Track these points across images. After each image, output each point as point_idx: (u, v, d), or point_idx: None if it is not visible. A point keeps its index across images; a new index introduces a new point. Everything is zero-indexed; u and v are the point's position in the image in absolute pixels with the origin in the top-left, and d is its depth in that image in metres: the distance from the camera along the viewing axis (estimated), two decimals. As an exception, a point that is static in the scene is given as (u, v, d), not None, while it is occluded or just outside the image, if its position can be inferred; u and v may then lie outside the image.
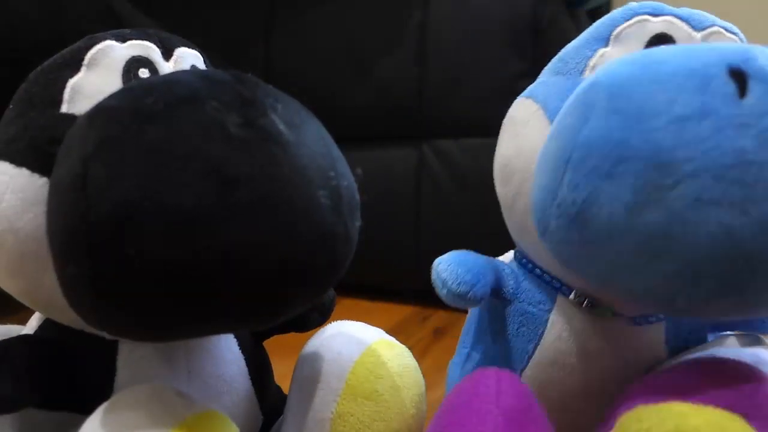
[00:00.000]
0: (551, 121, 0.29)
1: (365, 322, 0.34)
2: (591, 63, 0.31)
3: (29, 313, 0.31)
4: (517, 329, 0.33)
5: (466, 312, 0.38)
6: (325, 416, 0.29)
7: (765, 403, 0.23)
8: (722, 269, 0.22)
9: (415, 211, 0.80)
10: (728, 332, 0.32)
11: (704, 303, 0.23)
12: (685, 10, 0.31)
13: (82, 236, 0.20)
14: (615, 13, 0.32)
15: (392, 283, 0.84)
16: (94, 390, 0.28)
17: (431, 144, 0.79)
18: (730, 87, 0.22)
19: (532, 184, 0.28)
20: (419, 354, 0.63)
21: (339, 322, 0.34)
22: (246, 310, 0.22)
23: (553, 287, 0.33)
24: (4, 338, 0.28)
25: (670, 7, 0.31)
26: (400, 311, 0.79)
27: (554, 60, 0.34)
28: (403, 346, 0.33)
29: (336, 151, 0.24)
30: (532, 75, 0.34)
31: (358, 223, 0.25)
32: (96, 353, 0.28)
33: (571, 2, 0.77)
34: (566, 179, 0.24)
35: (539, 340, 0.32)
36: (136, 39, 0.29)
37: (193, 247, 0.20)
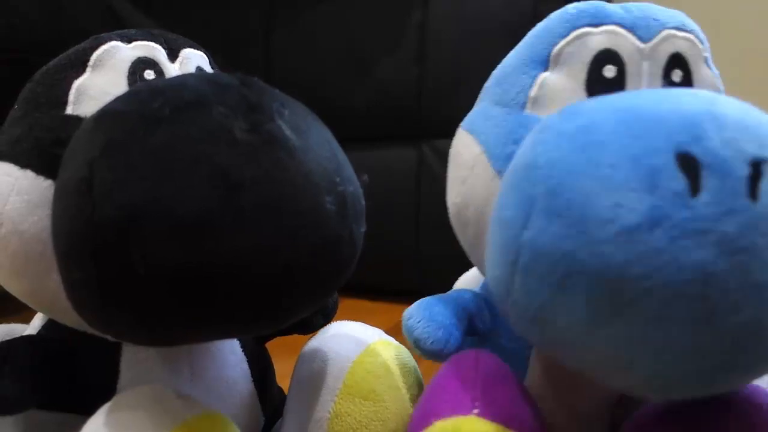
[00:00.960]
0: (497, 171, 0.27)
1: (365, 322, 0.34)
2: (532, 94, 0.28)
3: (32, 312, 0.31)
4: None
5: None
6: (323, 416, 0.29)
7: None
8: (692, 382, 0.21)
9: (415, 211, 0.80)
10: None
11: (681, 396, 0.22)
12: (631, 12, 0.28)
13: (87, 239, 0.20)
14: (551, 24, 0.29)
15: (392, 283, 0.84)
16: (97, 391, 0.28)
17: (431, 144, 0.79)
18: (681, 183, 0.19)
19: (487, 255, 0.26)
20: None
21: (339, 322, 0.34)
22: (250, 315, 0.22)
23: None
24: (6, 338, 0.28)
25: (614, 9, 0.28)
26: (400, 311, 0.79)
27: (492, 81, 0.31)
28: (402, 346, 0.33)
29: (342, 156, 0.24)
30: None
31: (362, 229, 0.25)
32: (99, 354, 0.28)
33: (571, 2, 0.77)
34: (517, 282, 0.23)
35: (522, 378, 0.31)
36: (141, 40, 0.29)
37: (199, 252, 0.20)
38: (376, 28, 0.80)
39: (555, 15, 0.29)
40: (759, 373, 0.21)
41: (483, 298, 0.33)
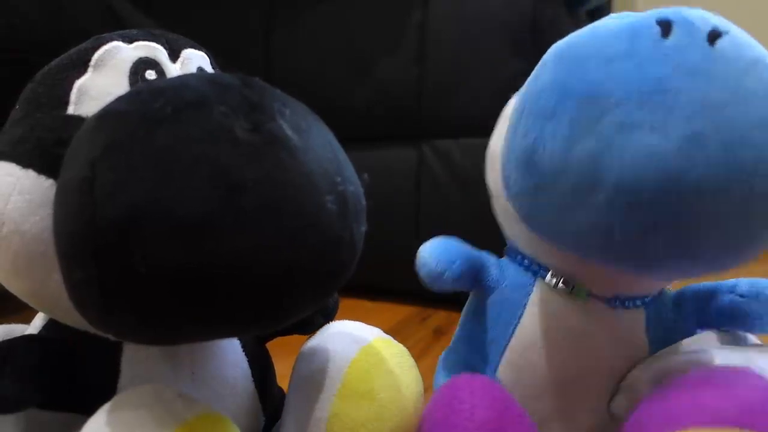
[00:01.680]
0: None
1: (365, 322, 0.34)
2: None
3: (32, 312, 0.31)
4: (497, 315, 0.34)
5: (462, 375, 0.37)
6: (321, 416, 0.29)
7: (761, 411, 0.23)
8: (650, 194, 0.23)
9: (415, 211, 0.80)
10: (713, 329, 0.32)
11: (641, 238, 0.24)
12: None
13: (89, 240, 0.20)
14: None
15: (392, 283, 0.84)
16: (98, 391, 0.28)
17: (431, 144, 0.79)
18: (656, 30, 0.25)
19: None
20: (419, 354, 0.63)
21: (337, 321, 0.34)
22: (251, 315, 0.22)
23: (533, 272, 0.33)
24: (7, 338, 0.28)
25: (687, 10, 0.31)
26: (400, 311, 0.79)
27: None
28: (401, 345, 0.33)
29: (343, 156, 0.24)
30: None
31: (363, 229, 0.25)
32: (100, 354, 0.28)
33: (571, 2, 0.77)
34: (520, 128, 0.27)
35: (517, 324, 0.33)
36: (142, 40, 0.29)
37: (200, 253, 0.20)
38: (376, 28, 0.80)
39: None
40: (715, 182, 0.23)
41: (494, 260, 0.36)
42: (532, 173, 0.26)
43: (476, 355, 0.36)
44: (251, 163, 0.21)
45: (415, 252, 0.95)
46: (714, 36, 0.24)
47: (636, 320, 0.32)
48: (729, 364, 0.28)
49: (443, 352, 0.40)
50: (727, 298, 0.31)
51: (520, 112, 0.27)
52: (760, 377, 0.25)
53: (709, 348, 0.30)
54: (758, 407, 0.23)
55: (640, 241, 0.24)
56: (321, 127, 0.24)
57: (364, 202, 0.25)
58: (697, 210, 0.23)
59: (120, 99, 0.23)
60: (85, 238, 0.21)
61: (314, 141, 0.23)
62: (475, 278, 0.35)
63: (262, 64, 0.84)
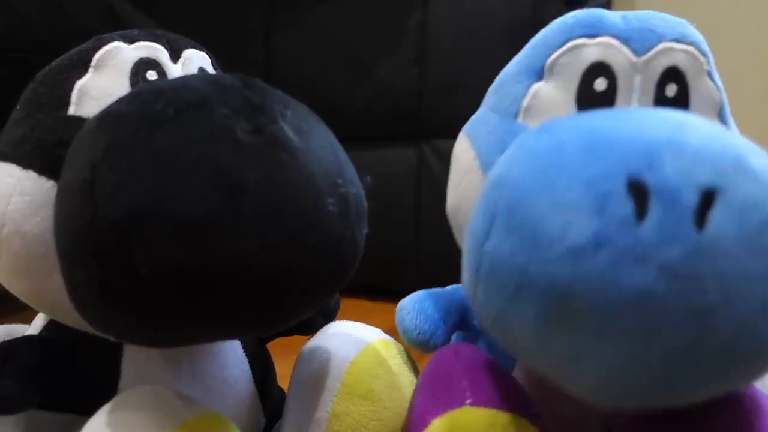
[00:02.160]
0: (485, 175, 0.28)
1: (365, 322, 0.34)
2: (524, 104, 0.28)
3: (32, 312, 0.31)
4: (496, 352, 0.32)
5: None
6: (322, 416, 0.29)
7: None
8: (635, 395, 0.21)
9: (415, 211, 0.80)
10: None
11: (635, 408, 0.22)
12: (630, 22, 0.28)
13: (90, 241, 0.20)
14: (549, 33, 0.29)
15: (392, 283, 0.84)
16: (98, 392, 0.28)
17: (431, 144, 0.79)
18: (628, 208, 0.20)
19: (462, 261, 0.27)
20: (419, 354, 0.63)
21: (337, 322, 0.34)
22: (252, 316, 0.22)
23: None
24: (8, 338, 0.28)
25: (613, 19, 0.28)
26: (400, 311, 0.79)
27: (492, 87, 0.32)
28: (401, 345, 0.33)
29: (344, 158, 0.24)
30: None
31: (365, 230, 0.25)
32: (100, 355, 0.28)
33: (571, 2, 0.77)
34: (479, 289, 0.24)
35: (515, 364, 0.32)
36: (143, 40, 0.29)
37: (201, 255, 0.20)
38: (376, 29, 0.80)
39: (554, 24, 0.29)
40: (707, 390, 0.21)
41: None
42: (503, 336, 0.24)
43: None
44: (252, 165, 0.20)
45: (415, 252, 0.95)
46: (705, 205, 0.20)
47: None
48: None
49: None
50: None
51: (474, 271, 0.24)
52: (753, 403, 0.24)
53: None
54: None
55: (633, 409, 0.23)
56: (322, 129, 0.24)
57: (365, 203, 0.25)
58: (678, 398, 0.21)
59: (121, 100, 0.23)
60: (86, 239, 0.21)
61: (316, 143, 0.23)
62: (462, 324, 0.34)
63: (262, 64, 0.84)
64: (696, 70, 0.27)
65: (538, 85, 0.29)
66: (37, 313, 0.31)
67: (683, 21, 0.28)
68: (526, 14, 0.74)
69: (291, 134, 0.22)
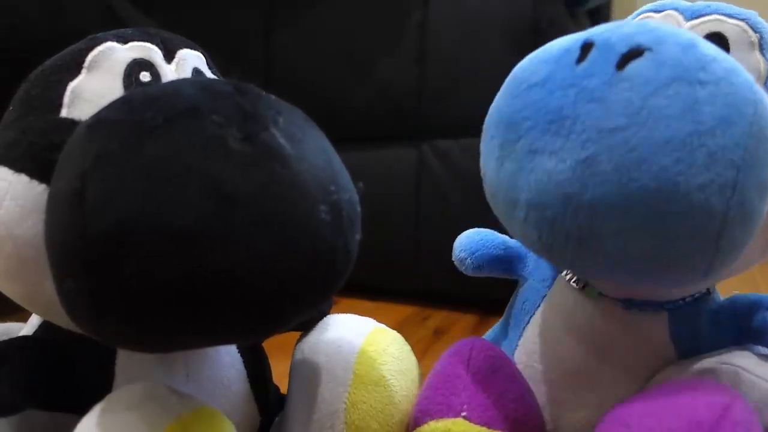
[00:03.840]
0: None
1: (366, 323, 0.35)
2: None
3: (29, 312, 0.31)
4: (522, 304, 0.36)
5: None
6: (338, 407, 0.30)
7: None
8: (552, 212, 0.24)
9: (415, 211, 0.80)
10: (752, 346, 0.31)
11: (560, 249, 0.25)
12: (697, 3, 0.31)
13: (80, 252, 0.20)
14: (634, 13, 0.34)
15: (392, 283, 0.84)
16: (93, 391, 0.28)
17: (431, 144, 0.79)
18: (574, 56, 0.25)
19: None
20: (419, 354, 0.63)
21: (331, 316, 0.35)
22: (244, 326, 0.22)
23: (555, 267, 0.35)
24: (3, 337, 0.28)
25: (682, 2, 0.32)
26: (400, 311, 0.79)
27: None
28: (395, 332, 0.34)
29: (338, 164, 0.24)
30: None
31: (358, 237, 0.24)
32: (95, 356, 0.28)
33: (571, 2, 0.77)
34: (481, 152, 0.29)
35: (533, 313, 0.35)
36: (137, 40, 0.29)
37: (191, 266, 0.20)
38: (376, 28, 0.80)
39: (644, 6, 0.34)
40: (606, 214, 0.24)
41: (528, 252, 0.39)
42: (488, 194, 0.29)
43: (504, 337, 0.38)
44: (243, 175, 0.20)
45: (415, 252, 0.95)
46: (630, 56, 0.24)
47: (656, 324, 0.32)
48: (760, 376, 0.28)
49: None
50: (761, 315, 0.30)
51: (483, 138, 0.29)
52: (730, 399, 0.25)
53: (744, 358, 0.29)
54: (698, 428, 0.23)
55: (563, 253, 0.25)
56: (316, 135, 0.24)
57: (359, 210, 0.25)
58: (599, 226, 0.24)
59: (111, 106, 0.23)
60: (76, 250, 0.20)
61: (308, 149, 0.22)
62: (508, 268, 0.38)
63: (262, 64, 0.84)
64: (742, 40, 0.30)
65: None
66: (32, 313, 0.31)
67: (751, 12, 0.31)
68: (526, 14, 0.74)
69: (283, 141, 0.22)
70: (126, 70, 0.28)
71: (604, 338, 0.32)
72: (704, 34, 0.30)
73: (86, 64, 0.28)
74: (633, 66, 0.24)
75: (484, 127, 0.28)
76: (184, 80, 0.26)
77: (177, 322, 0.21)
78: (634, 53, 0.24)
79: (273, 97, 0.24)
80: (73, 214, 0.21)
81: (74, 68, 0.28)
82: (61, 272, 0.22)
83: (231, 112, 0.22)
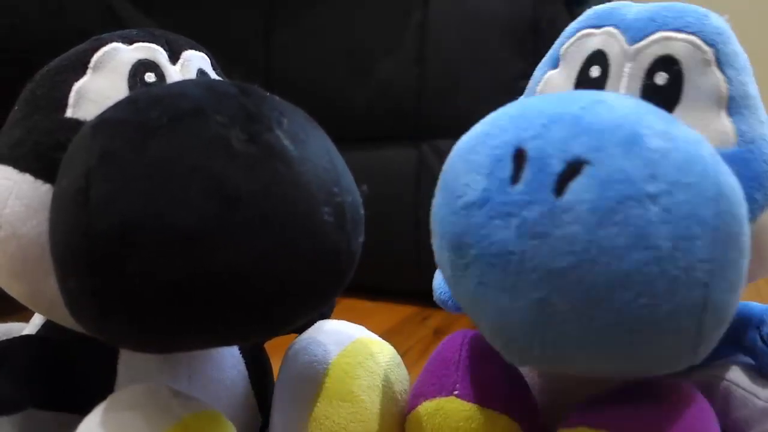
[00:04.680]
0: None
1: (365, 322, 0.34)
2: (538, 89, 0.31)
3: (31, 312, 0.31)
4: None
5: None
6: (303, 418, 0.29)
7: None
8: (515, 346, 0.23)
9: (415, 211, 0.80)
10: (744, 358, 0.31)
11: (539, 366, 0.25)
12: (640, 13, 0.29)
13: (83, 251, 0.20)
14: (571, 25, 0.31)
15: (392, 283, 0.84)
16: (95, 391, 0.28)
17: (431, 144, 0.79)
18: (508, 171, 0.22)
19: None
20: (419, 354, 0.63)
21: (321, 321, 0.34)
22: (246, 327, 0.22)
23: None
24: (5, 338, 0.28)
25: (625, 11, 0.29)
26: (400, 311, 0.79)
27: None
28: (386, 343, 0.33)
29: (341, 165, 0.24)
30: (531, 75, 0.34)
31: (361, 239, 0.24)
32: (97, 355, 0.29)
33: (571, 2, 0.77)
34: (434, 253, 0.27)
35: None
36: (142, 41, 0.29)
37: (194, 265, 0.20)
38: (376, 28, 0.80)
39: (583, 14, 0.31)
40: (578, 357, 0.23)
41: None
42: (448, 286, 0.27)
43: None
44: (247, 175, 0.20)
45: (415, 252, 0.95)
46: (570, 174, 0.21)
47: None
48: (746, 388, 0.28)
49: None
50: (752, 334, 0.29)
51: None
52: (695, 406, 0.25)
53: (735, 373, 0.29)
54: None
55: (539, 367, 0.25)
56: (320, 136, 0.24)
57: (362, 212, 0.25)
58: (569, 356, 0.23)
59: (116, 106, 0.23)
60: (80, 249, 0.21)
61: (312, 151, 0.23)
62: None
63: (262, 64, 0.84)
64: (695, 59, 0.27)
65: (551, 73, 0.31)
66: (35, 312, 0.31)
67: (703, 12, 0.28)
68: (526, 14, 0.74)
69: (286, 142, 0.22)
70: (131, 70, 0.28)
71: None
72: (651, 60, 0.27)
73: (91, 64, 0.28)
74: (573, 189, 0.21)
75: (432, 231, 0.26)
76: (189, 81, 0.26)
77: (179, 322, 0.21)
78: (572, 170, 0.21)
79: (277, 98, 0.24)
80: (76, 213, 0.21)
81: (79, 68, 0.28)
82: (65, 271, 0.22)
83: (235, 113, 0.22)
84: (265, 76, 0.84)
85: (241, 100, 0.22)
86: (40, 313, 0.30)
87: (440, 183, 0.25)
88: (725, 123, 0.27)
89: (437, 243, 0.26)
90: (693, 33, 0.27)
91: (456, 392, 0.29)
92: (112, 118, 0.22)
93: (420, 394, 0.30)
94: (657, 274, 0.20)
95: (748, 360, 0.30)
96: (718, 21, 0.28)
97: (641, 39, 0.28)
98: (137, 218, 0.20)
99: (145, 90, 0.24)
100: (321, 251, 0.22)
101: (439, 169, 0.27)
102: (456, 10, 0.76)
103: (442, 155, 0.85)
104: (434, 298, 0.37)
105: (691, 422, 0.24)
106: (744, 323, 0.30)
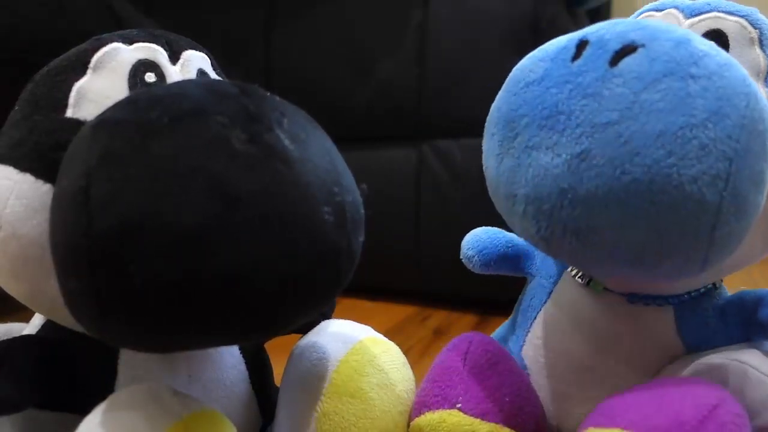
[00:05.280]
0: None
1: (365, 322, 0.34)
2: None
3: (31, 312, 0.31)
4: (530, 300, 0.37)
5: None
6: (311, 415, 0.29)
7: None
8: (549, 206, 0.25)
9: (415, 211, 0.80)
10: (761, 342, 0.31)
11: (559, 242, 0.26)
12: (697, 2, 0.32)
13: (84, 251, 0.20)
14: (634, 13, 0.34)
15: (392, 283, 0.84)
16: (95, 391, 0.28)
17: (431, 144, 0.79)
18: (570, 54, 0.26)
19: None
20: (419, 354, 0.63)
21: (328, 320, 0.34)
22: (247, 326, 0.22)
23: (562, 263, 0.36)
24: (5, 338, 0.28)
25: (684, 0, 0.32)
26: (400, 311, 0.79)
27: None
28: (392, 343, 0.33)
29: (341, 165, 0.24)
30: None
31: (361, 239, 0.25)
32: (97, 355, 0.29)
33: (571, 2, 0.77)
34: (483, 150, 0.30)
35: (540, 308, 0.35)
36: (142, 41, 0.29)
37: (194, 265, 0.20)
38: (376, 28, 0.80)
39: (648, 4, 0.34)
40: (608, 217, 0.24)
41: (535, 249, 0.39)
42: (490, 189, 0.29)
43: (512, 333, 0.38)
44: (248, 176, 0.20)
45: (415, 252, 0.95)
46: (623, 53, 0.24)
47: (662, 319, 0.32)
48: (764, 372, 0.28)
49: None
50: (763, 311, 0.30)
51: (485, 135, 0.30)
52: (718, 400, 0.25)
53: (752, 355, 0.29)
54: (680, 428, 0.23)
55: (561, 245, 0.26)
56: (320, 136, 0.24)
57: (362, 211, 0.25)
58: (594, 219, 0.24)
59: (117, 106, 0.23)
60: (80, 249, 0.21)
61: (312, 151, 0.23)
62: (515, 265, 0.39)
63: (262, 63, 0.84)
64: (742, 36, 0.30)
65: None
66: (34, 312, 0.31)
67: (751, 8, 0.31)
68: (526, 14, 0.74)
69: (287, 143, 0.22)
70: (131, 70, 0.28)
71: (609, 333, 0.32)
72: (703, 31, 0.30)
73: (91, 64, 0.28)
74: (626, 62, 0.24)
75: (486, 125, 0.29)
76: (189, 81, 0.26)
77: (180, 322, 0.21)
78: (627, 50, 0.24)
79: (277, 98, 0.24)
80: (77, 213, 0.21)
81: (79, 68, 0.28)
82: (66, 271, 0.22)
83: (235, 113, 0.22)
84: (265, 76, 0.84)
85: (242, 100, 0.22)
86: (41, 313, 0.30)
87: (507, 81, 0.28)
88: (761, 90, 0.29)
89: (489, 133, 0.28)
90: (742, 16, 0.31)
91: (459, 405, 0.30)
92: (112, 118, 0.22)
93: (422, 404, 0.31)
94: (689, 138, 0.23)
95: (766, 345, 0.31)
96: (764, 16, 0.32)
97: (697, 15, 0.31)
98: (138, 219, 0.20)
99: (145, 90, 0.24)
100: (321, 251, 0.22)
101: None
102: (456, 10, 0.76)
103: (442, 155, 0.86)
104: (461, 256, 0.39)
105: (713, 418, 0.24)
106: (756, 304, 0.31)
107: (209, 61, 0.32)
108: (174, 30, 0.32)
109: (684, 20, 0.31)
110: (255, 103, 0.22)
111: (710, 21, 0.31)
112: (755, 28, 0.30)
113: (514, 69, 0.28)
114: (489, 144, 0.28)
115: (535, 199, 0.25)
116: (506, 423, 0.30)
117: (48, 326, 0.30)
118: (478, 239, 0.39)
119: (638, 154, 0.23)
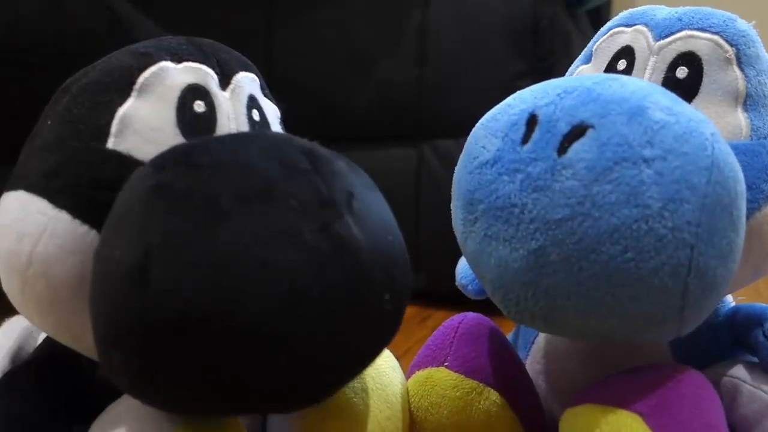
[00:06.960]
0: None
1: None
2: None
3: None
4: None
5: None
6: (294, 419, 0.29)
7: (667, 405, 0.24)
8: (513, 296, 0.25)
9: (415, 211, 0.80)
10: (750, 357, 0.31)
11: (529, 322, 0.25)
12: (670, 14, 0.30)
13: (137, 335, 0.20)
14: (605, 25, 0.33)
15: (392, 283, 0.84)
16: (105, 401, 0.27)
17: (431, 144, 0.79)
18: (520, 134, 0.25)
19: None
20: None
21: None
22: (298, 407, 0.23)
23: None
24: (26, 335, 0.28)
25: (656, 12, 0.31)
26: (400, 311, 0.79)
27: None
28: (385, 351, 0.32)
29: (399, 241, 0.24)
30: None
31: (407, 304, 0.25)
32: None
33: (571, 2, 0.77)
34: (452, 215, 0.29)
35: (537, 333, 0.35)
36: (193, 60, 0.27)
37: (252, 366, 0.19)
38: (376, 29, 0.80)
39: (619, 15, 0.33)
40: (573, 310, 0.24)
41: None
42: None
43: (516, 348, 0.38)
44: (317, 272, 0.20)
45: (415, 252, 0.95)
46: (573, 137, 0.23)
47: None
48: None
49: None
50: (756, 332, 0.30)
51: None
52: (699, 385, 0.25)
53: (743, 370, 0.30)
54: (665, 403, 0.24)
55: (533, 325, 0.26)
56: (381, 206, 0.24)
57: (411, 286, 0.24)
58: (560, 309, 0.24)
59: (175, 165, 0.22)
60: (133, 332, 0.20)
61: (377, 233, 0.22)
62: None
63: (262, 63, 0.84)
64: (716, 57, 0.28)
65: (582, 67, 0.33)
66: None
67: (730, 16, 0.30)
68: (526, 14, 0.74)
69: (355, 231, 0.21)
70: (180, 98, 0.26)
71: (600, 351, 0.32)
72: (674, 56, 0.29)
73: (137, 86, 0.26)
74: (575, 150, 0.23)
75: (452, 190, 0.28)
76: (254, 143, 0.24)
77: (226, 411, 0.21)
78: (576, 132, 0.23)
79: (343, 165, 0.23)
80: (133, 294, 0.20)
81: (124, 89, 0.25)
82: (110, 345, 0.21)
83: (308, 198, 0.21)
84: (266, 76, 0.84)
85: (313, 178, 0.22)
86: (61, 342, 0.28)
87: (463, 149, 0.28)
88: (740, 117, 0.28)
89: (453, 204, 0.28)
90: (716, 33, 0.29)
91: (446, 363, 0.30)
92: (174, 186, 0.21)
93: (416, 365, 0.32)
94: (645, 231, 0.22)
95: (755, 359, 0.30)
96: (743, 25, 0.29)
97: (667, 36, 0.29)
98: (202, 312, 0.19)
99: (203, 144, 0.23)
100: (381, 341, 0.23)
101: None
102: (456, 10, 0.76)
103: (442, 155, 0.86)
104: (456, 283, 0.39)
105: (697, 398, 0.25)
106: (748, 322, 0.31)
107: (258, 82, 0.31)
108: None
109: (653, 42, 0.30)
110: (326, 181, 0.22)
111: (681, 43, 0.29)
112: (732, 45, 0.29)
113: (471, 135, 0.27)
114: (455, 213, 0.28)
115: (500, 287, 0.25)
116: (492, 385, 0.30)
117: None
118: (466, 266, 0.38)
119: (594, 251, 0.22)
